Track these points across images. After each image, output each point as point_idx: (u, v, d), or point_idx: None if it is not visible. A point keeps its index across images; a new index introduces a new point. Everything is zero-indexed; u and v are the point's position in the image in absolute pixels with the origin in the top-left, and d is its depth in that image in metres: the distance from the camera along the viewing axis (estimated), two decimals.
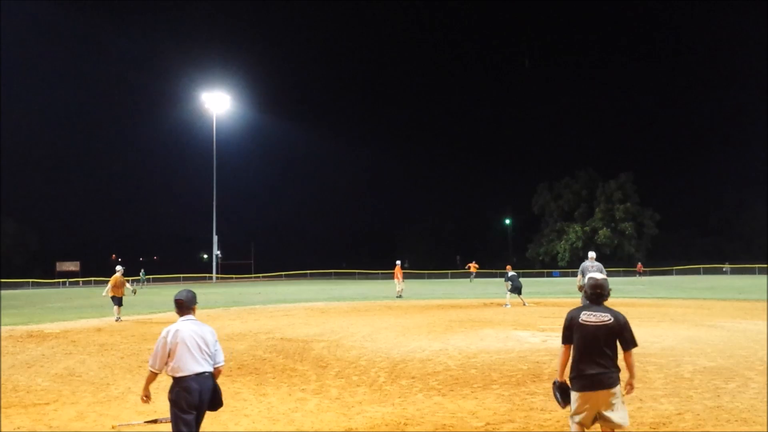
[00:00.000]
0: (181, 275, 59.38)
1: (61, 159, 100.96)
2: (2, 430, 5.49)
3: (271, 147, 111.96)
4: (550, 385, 6.67)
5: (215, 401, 4.14)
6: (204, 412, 4.08)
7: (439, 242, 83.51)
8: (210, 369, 4.08)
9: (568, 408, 3.89)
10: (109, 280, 16.10)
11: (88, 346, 10.55)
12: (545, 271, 61.66)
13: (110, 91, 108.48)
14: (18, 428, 5.50)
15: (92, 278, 57.58)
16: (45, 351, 10.13)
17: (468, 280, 41.50)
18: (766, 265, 44.50)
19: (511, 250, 75.67)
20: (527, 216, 74.24)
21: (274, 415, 5.81)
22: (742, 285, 28.19)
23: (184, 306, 4.27)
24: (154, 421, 5.64)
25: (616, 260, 62.90)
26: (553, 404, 5.94)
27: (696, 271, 50.07)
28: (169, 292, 34.30)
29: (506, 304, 17.46)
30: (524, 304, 17.62)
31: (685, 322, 12.35)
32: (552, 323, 12.31)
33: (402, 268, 24.59)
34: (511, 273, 18.28)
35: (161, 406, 6.17)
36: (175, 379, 4.01)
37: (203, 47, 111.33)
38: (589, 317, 3.80)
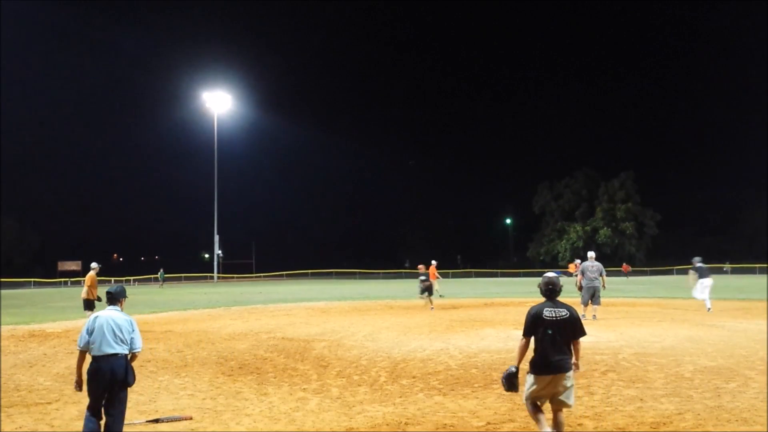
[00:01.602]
0: (183, 275, 59.46)
1: (62, 158, 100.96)
2: (4, 429, 5.50)
3: (273, 146, 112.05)
4: None
5: (127, 379, 4.76)
6: (117, 388, 4.70)
7: (439, 242, 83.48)
8: (123, 351, 4.72)
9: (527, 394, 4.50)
10: (84, 280, 14.29)
11: None
12: (546, 270, 61.56)
13: (112, 91, 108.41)
14: (20, 427, 5.51)
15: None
16: (47, 350, 10.15)
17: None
18: (766, 265, 44.46)
19: (511, 249, 75.72)
20: (528, 215, 74.25)
21: (275, 414, 5.81)
22: (742, 284, 28.17)
23: (112, 298, 5.00)
24: (156, 421, 5.65)
25: (617, 260, 62.82)
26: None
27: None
28: (171, 291, 34.35)
29: (432, 307, 16.62)
30: (431, 308, 16.53)
31: (685, 322, 12.36)
32: None
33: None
34: (423, 273, 17.53)
35: (162, 406, 6.20)
36: (92, 357, 4.72)
37: (205, 47, 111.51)
38: (551, 313, 4.38)
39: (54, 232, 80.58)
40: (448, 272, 58.28)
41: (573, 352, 4.46)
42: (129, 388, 4.91)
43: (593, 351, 8.76)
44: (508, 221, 79.29)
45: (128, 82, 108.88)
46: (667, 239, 67.15)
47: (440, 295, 23.04)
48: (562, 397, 4.37)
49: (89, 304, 13.40)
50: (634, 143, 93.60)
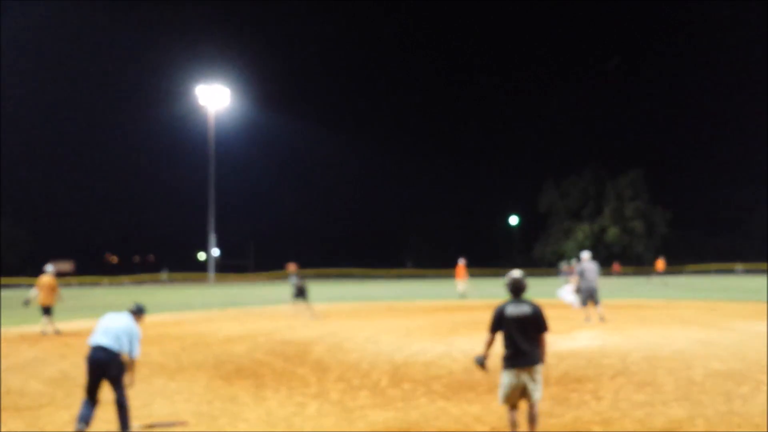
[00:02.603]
0: (179, 275, 59.33)
1: (53, 157, 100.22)
2: (5, 429, 5.45)
3: (271, 144, 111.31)
4: (555, 389, 6.59)
5: (114, 373, 5.17)
6: (105, 379, 5.14)
7: (443, 242, 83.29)
8: (113, 347, 5.18)
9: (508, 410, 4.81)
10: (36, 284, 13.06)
11: (83, 349, 10.41)
12: (552, 271, 61.34)
13: (104, 86, 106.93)
14: None
15: (87, 278, 57.79)
16: (38, 353, 10.06)
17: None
18: None
19: (516, 249, 75.40)
20: (534, 215, 73.83)
21: (273, 419, 5.73)
22: (754, 286, 27.83)
23: (135, 312, 5.60)
24: (150, 426, 5.56)
25: (626, 260, 62.43)
26: (559, 408, 5.84)
27: (707, 272, 49.60)
28: (164, 292, 34.33)
29: (312, 317, 14.77)
30: (311, 317, 14.73)
31: (696, 324, 12.14)
32: (558, 325, 12.11)
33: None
34: (294, 275, 15.64)
35: (157, 410, 6.09)
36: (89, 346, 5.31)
37: (200, 40, 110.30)
38: (513, 311, 4.68)
39: (46, 232, 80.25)
40: (452, 273, 58.14)
41: (540, 345, 4.74)
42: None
43: (601, 354, 8.60)
44: (514, 221, 78.98)
45: (121, 77, 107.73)
46: (678, 238, 66.58)
47: (463, 296, 22.55)
48: (533, 389, 4.65)
49: (45, 309, 12.60)
50: (643, 139, 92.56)
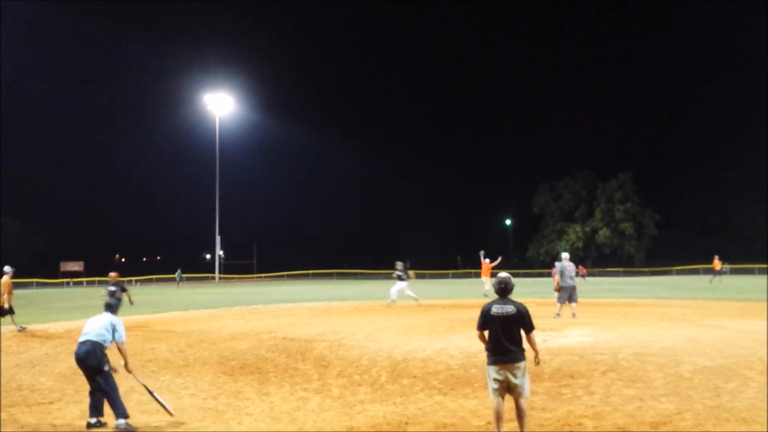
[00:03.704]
0: (184, 275, 59.26)
1: (64, 159, 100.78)
2: (7, 429, 5.54)
3: (274, 147, 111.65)
4: (548, 384, 6.77)
5: (94, 364, 5.51)
6: (91, 368, 5.50)
7: (440, 242, 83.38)
8: (96, 339, 5.58)
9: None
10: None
11: None
12: (545, 271, 61.61)
13: (114, 92, 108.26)
14: (22, 427, 5.55)
15: (96, 278, 57.80)
16: (49, 350, 10.18)
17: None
18: (765, 266, 44.43)
19: (511, 250, 75.61)
20: (528, 216, 74.13)
21: (276, 414, 5.85)
22: (741, 285, 28.18)
23: (110, 307, 5.96)
24: (150, 392, 5.81)
25: (616, 261, 62.81)
26: (552, 403, 6.01)
27: (695, 272, 49.98)
28: (171, 292, 34.33)
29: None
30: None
31: (684, 322, 12.37)
32: (552, 323, 12.34)
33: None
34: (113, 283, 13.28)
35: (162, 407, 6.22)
36: None
37: (207, 49, 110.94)
38: (498, 310, 4.82)
39: (57, 233, 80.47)
40: (448, 272, 58.28)
41: (530, 345, 4.92)
42: (121, 381, 5.51)
43: (593, 351, 8.78)
44: (508, 222, 79.20)
45: (131, 84, 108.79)
46: (667, 239, 67.09)
47: (487, 294, 22.43)
48: (516, 384, 4.78)
49: (1, 312, 12.49)
50: (633, 144, 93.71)
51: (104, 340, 5.64)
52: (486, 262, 22.88)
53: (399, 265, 19.16)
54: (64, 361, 8.99)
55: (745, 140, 77.54)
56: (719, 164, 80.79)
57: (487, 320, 4.92)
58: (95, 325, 5.72)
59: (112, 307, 5.95)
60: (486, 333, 4.97)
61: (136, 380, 6.01)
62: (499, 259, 23.73)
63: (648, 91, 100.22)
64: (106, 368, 5.55)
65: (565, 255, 14.39)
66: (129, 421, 5.42)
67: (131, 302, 13.48)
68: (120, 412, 5.40)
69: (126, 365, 5.76)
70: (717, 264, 33.65)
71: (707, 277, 37.80)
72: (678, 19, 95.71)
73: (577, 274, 15.66)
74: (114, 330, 5.71)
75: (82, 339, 5.65)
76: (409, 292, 18.80)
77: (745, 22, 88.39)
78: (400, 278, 18.79)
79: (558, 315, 13.41)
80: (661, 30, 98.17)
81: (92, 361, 5.50)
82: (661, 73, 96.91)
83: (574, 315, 13.24)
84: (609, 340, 9.81)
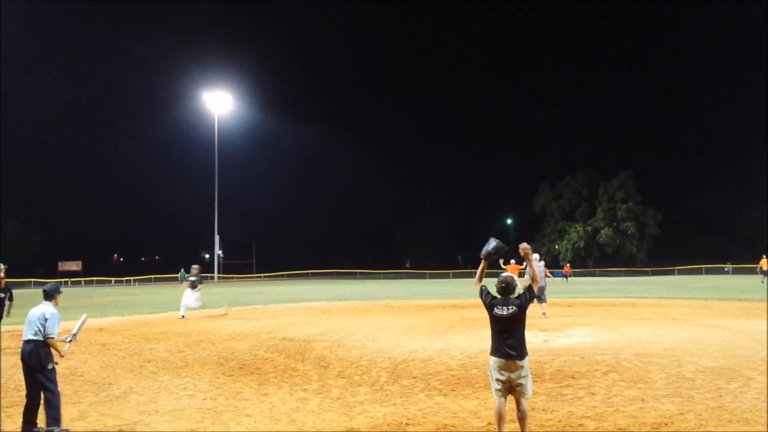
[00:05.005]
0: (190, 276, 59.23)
1: (63, 159, 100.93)
2: (5, 428, 5.51)
3: (273, 146, 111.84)
4: (550, 385, 6.74)
5: (39, 363, 5.42)
6: (33, 368, 5.40)
7: (440, 242, 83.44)
8: (36, 338, 5.45)
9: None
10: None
11: (90, 346, 10.57)
12: (547, 270, 61.54)
13: (112, 91, 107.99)
14: (20, 427, 5.51)
15: (94, 278, 58.05)
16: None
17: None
18: None
19: (512, 249, 75.61)
20: (529, 215, 74.12)
21: (275, 414, 5.82)
22: (744, 285, 28.13)
23: (46, 294, 5.79)
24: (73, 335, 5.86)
25: (618, 260, 62.76)
26: (553, 404, 5.98)
27: (698, 271, 49.94)
28: (171, 292, 34.29)
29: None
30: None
31: (687, 322, 12.34)
32: (553, 323, 12.31)
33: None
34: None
35: (162, 406, 6.19)
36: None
37: (205, 47, 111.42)
38: (501, 310, 4.87)
39: (55, 233, 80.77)
40: (449, 272, 58.25)
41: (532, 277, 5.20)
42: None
43: (594, 351, 8.76)
44: (509, 221, 79.22)
45: (129, 83, 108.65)
46: (669, 239, 67.01)
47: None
48: (519, 383, 4.79)
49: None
50: (634, 142, 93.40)
51: (37, 334, 5.47)
52: (513, 263, 23.06)
53: (195, 269, 17.11)
54: (61, 361, 8.90)
55: (748, 138, 77.27)
56: (722, 162, 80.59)
57: (490, 319, 4.97)
58: (33, 317, 5.56)
59: (46, 293, 5.71)
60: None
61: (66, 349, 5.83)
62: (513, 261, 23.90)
63: (649, 90, 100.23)
64: (50, 366, 5.39)
65: (535, 256, 14.61)
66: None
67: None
68: (55, 424, 5.29)
69: (62, 355, 5.66)
70: (764, 264, 33.47)
71: (710, 277, 37.74)
72: (679, 19, 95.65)
73: (560, 275, 16.29)
74: (46, 323, 5.53)
75: (23, 337, 5.53)
76: (194, 303, 16.24)
77: (745, 22, 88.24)
78: (192, 285, 16.34)
79: (544, 314, 13.70)
80: (662, 29, 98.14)
81: (34, 361, 5.37)
82: (663, 71, 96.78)
83: (544, 314, 13.66)
84: (610, 341, 9.78)
